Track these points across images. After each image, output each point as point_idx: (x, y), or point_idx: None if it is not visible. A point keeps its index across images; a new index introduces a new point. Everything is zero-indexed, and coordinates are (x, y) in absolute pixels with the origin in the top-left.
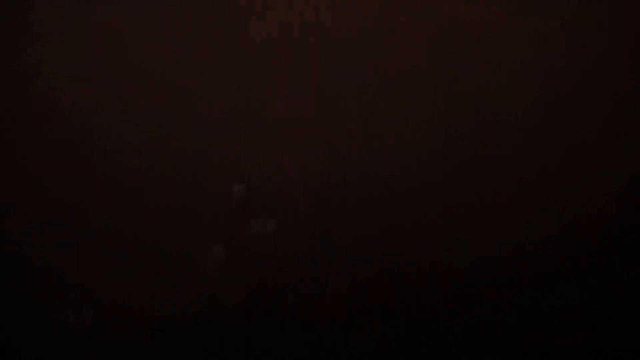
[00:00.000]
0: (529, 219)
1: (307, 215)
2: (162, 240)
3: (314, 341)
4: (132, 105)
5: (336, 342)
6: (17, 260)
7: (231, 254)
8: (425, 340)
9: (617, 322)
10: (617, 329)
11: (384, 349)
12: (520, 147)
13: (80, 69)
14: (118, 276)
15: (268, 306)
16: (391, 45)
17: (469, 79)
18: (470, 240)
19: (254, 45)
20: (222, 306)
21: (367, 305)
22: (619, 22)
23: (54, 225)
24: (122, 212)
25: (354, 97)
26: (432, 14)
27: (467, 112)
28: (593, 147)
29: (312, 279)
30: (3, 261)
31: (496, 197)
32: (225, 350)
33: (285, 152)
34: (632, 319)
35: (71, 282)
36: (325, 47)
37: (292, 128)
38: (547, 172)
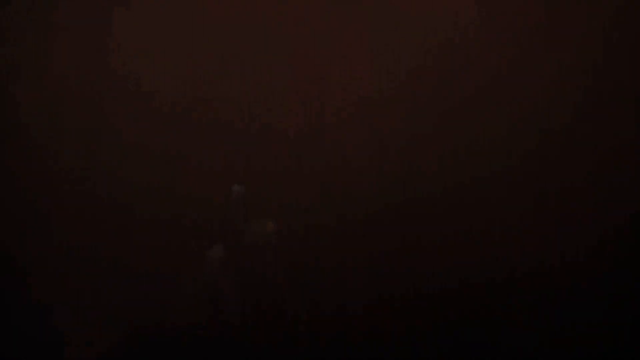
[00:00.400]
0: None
1: (306, 216)
2: (160, 241)
3: (313, 343)
4: (130, 106)
5: (335, 343)
6: (14, 263)
7: (229, 254)
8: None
9: None
10: None
11: (384, 352)
12: (562, 153)
13: (81, 66)
14: (115, 277)
15: (266, 307)
16: (399, 48)
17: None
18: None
19: (250, 46)
20: (220, 306)
21: (365, 306)
22: None
23: (53, 228)
24: (121, 213)
25: (355, 97)
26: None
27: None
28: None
29: (311, 281)
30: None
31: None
32: (223, 350)
33: (285, 153)
34: None
35: (69, 285)
36: (324, 50)
37: (291, 129)
38: (592, 177)
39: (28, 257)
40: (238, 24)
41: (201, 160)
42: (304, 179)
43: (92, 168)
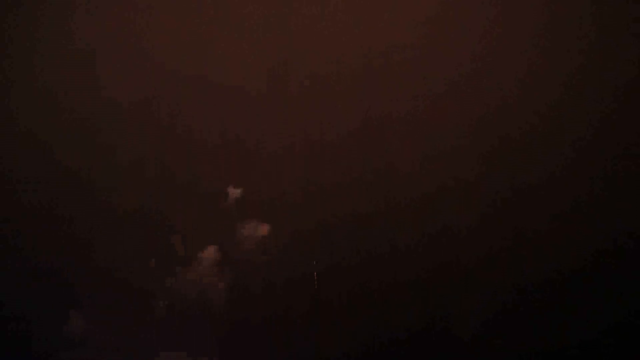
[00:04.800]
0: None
1: (300, 219)
2: (157, 241)
3: (301, 342)
4: (132, 107)
5: (326, 342)
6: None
7: (224, 255)
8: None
9: None
10: None
11: (377, 350)
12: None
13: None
14: (113, 275)
15: (259, 306)
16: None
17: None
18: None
19: (251, 47)
20: (214, 306)
21: (363, 307)
22: None
23: (56, 228)
24: (119, 213)
25: (355, 100)
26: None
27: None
28: None
29: (302, 283)
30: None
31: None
32: (216, 348)
33: (282, 155)
34: None
35: (69, 283)
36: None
37: (289, 131)
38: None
39: (24, 255)
40: (237, 24)
41: (198, 158)
42: (302, 183)
43: (88, 169)
